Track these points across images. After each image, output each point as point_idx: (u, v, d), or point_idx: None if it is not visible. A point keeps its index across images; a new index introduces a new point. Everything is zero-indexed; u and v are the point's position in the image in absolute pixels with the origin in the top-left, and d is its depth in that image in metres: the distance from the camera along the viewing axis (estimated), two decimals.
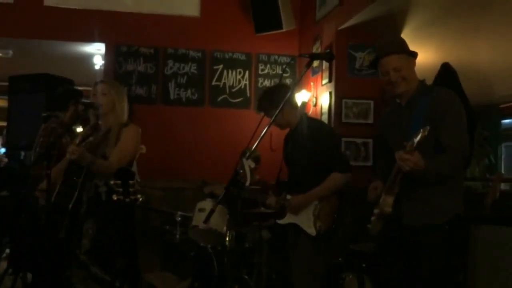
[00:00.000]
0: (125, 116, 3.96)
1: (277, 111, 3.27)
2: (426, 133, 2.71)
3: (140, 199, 3.81)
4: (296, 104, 4.22)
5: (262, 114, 3.67)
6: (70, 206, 3.73)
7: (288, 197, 4.03)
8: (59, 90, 5.09)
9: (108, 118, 3.91)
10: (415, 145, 2.73)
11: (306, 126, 4.10)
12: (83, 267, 3.73)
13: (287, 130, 4.24)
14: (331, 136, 4.13)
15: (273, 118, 3.26)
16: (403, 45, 3.15)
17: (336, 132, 4.34)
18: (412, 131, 2.84)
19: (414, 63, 3.16)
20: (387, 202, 2.97)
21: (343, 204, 3.96)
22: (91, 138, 3.71)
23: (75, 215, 3.77)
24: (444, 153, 2.96)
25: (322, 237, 3.87)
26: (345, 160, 4.13)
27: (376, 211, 3.07)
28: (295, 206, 3.96)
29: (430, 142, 2.96)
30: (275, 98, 3.96)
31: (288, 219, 4.04)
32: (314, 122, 4.22)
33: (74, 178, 3.76)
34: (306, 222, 3.93)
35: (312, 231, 3.90)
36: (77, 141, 3.60)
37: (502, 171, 9.79)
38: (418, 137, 2.71)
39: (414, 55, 3.16)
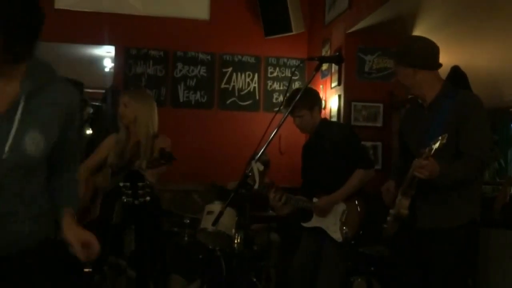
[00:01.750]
0: (153, 127, 3.95)
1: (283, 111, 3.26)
2: (444, 140, 2.69)
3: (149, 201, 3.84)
4: (321, 107, 4.26)
5: (286, 112, 3.42)
6: (114, 218, 3.75)
7: (315, 199, 4.03)
8: None
9: (133, 129, 3.92)
10: (432, 152, 2.71)
11: (329, 127, 4.12)
12: (121, 271, 3.77)
13: (298, 133, 4.25)
14: (353, 134, 4.15)
15: (281, 115, 3.20)
16: (408, 57, 3.10)
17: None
18: (432, 134, 2.84)
19: (417, 73, 3.09)
20: (404, 204, 2.96)
21: (368, 209, 3.97)
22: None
23: (114, 224, 3.80)
24: (461, 159, 2.93)
25: (349, 243, 3.87)
26: (368, 156, 4.16)
27: (392, 212, 3.06)
28: (322, 207, 3.97)
29: (451, 147, 2.93)
30: (309, 98, 4.00)
31: (314, 222, 4.05)
32: (335, 123, 4.24)
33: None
34: (332, 227, 3.93)
35: (338, 236, 3.90)
36: (144, 165, 3.59)
37: None
38: (437, 144, 2.69)
39: (417, 67, 3.09)
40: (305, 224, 4.11)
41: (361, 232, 3.93)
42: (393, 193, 3.14)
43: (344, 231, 3.87)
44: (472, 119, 2.96)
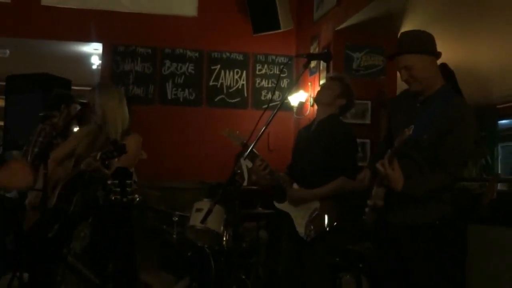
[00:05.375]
0: (126, 122, 3.93)
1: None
2: (408, 134, 2.74)
3: (138, 199, 3.81)
4: (341, 104, 4.17)
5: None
6: (71, 209, 3.73)
7: (295, 186, 4.02)
8: (52, 94, 5.11)
9: (107, 124, 3.90)
10: (393, 154, 2.80)
11: (334, 124, 4.09)
12: (70, 268, 3.73)
13: (286, 130, 4.23)
14: (352, 142, 4.12)
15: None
16: (418, 43, 3.02)
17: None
18: (417, 128, 2.83)
19: (431, 63, 3.03)
20: (379, 194, 2.97)
21: (341, 217, 3.95)
22: (116, 160, 3.65)
23: (69, 216, 3.77)
24: (434, 173, 2.93)
25: (307, 240, 3.87)
26: (356, 168, 4.12)
27: (369, 202, 3.05)
28: (296, 198, 3.96)
29: (430, 148, 2.92)
30: (346, 83, 4.03)
31: (285, 206, 4.04)
32: (342, 123, 4.20)
33: (78, 184, 3.75)
34: (299, 219, 3.93)
35: (301, 230, 3.90)
36: (98, 156, 3.56)
37: (499, 171, 9.80)
38: (398, 143, 2.78)
39: (433, 54, 3.04)
40: (276, 204, 4.10)
41: (326, 233, 3.91)
42: (368, 182, 3.13)
43: (308, 229, 3.87)
44: (457, 131, 2.90)
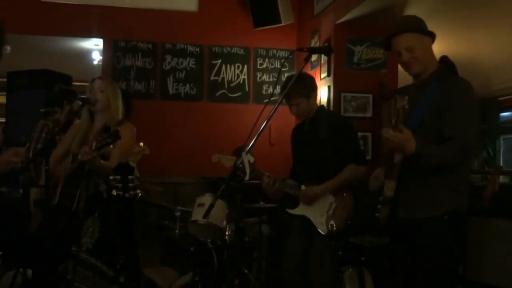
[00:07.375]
0: (120, 114, 3.97)
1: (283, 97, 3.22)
2: (404, 102, 2.67)
3: (140, 194, 3.82)
4: (317, 93, 4.23)
5: (281, 100, 3.29)
6: (74, 206, 3.73)
7: (303, 187, 4.00)
8: (54, 90, 5.10)
9: (103, 115, 3.92)
10: (398, 120, 2.68)
11: (326, 116, 4.09)
12: (83, 265, 3.74)
13: (288, 123, 4.23)
14: (351, 128, 4.12)
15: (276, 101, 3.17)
16: (417, 23, 3.02)
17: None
18: (416, 114, 2.83)
19: (429, 44, 3.03)
20: (389, 186, 2.93)
21: (358, 205, 3.95)
22: (111, 146, 3.66)
23: (73, 212, 3.77)
24: (443, 143, 2.85)
25: (333, 237, 3.86)
26: (362, 153, 4.12)
27: (381, 198, 3.02)
28: (310, 196, 3.95)
29: (432, 129, 2.88)
30: (305, 85, 3.99)
31: (300, 210, 4.03)
32: (333, 113, 4.21)
33: (78, 180, 3.75)
34: (319, 218, 3.92)
35: (323, 228, 3.88)
36: (93, 146, 3.56)
37: (501, 164, 9.80)
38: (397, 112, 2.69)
39: (430, 35, 3.03)
40: (290, 211, 4.09)
41: (348, 226, 3.91)
42: (381, 180, 3.07)
43: (330, 224, 3.85)
44: (457, 103, 2.85)
